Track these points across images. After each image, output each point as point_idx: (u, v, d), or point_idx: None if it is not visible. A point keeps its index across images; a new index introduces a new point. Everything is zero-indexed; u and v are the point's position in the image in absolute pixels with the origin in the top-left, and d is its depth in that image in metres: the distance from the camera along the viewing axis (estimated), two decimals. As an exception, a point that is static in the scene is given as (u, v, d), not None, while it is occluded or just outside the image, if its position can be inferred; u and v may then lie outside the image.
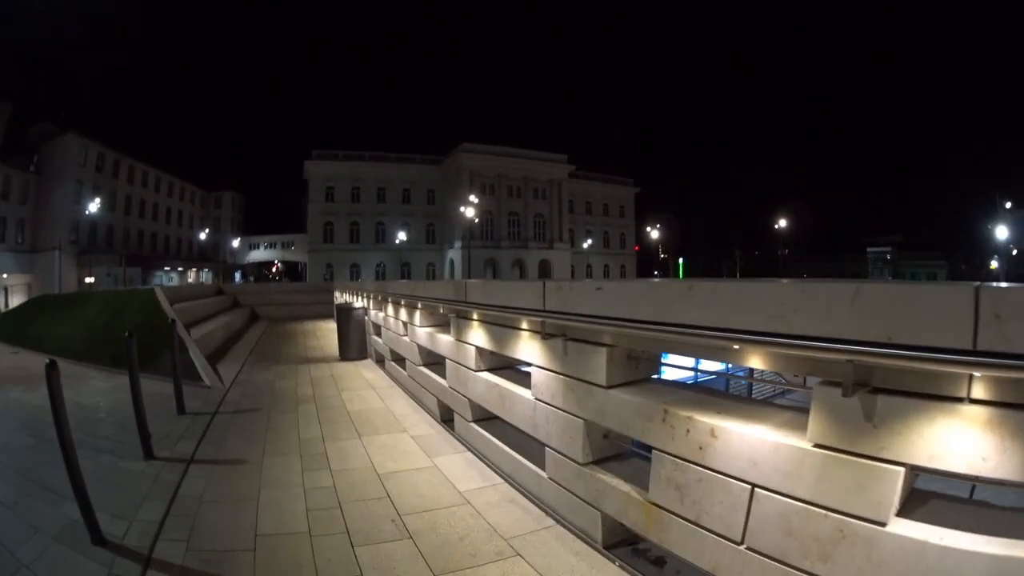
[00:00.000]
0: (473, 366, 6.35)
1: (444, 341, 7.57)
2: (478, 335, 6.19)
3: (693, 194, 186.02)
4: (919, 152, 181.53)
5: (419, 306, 8.87)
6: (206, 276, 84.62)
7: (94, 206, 51.07)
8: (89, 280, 53.27)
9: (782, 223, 65.66)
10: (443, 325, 8.17)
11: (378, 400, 9.70)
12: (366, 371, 12.79)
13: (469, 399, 6.50)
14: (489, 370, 6.23)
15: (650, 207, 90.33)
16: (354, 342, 14.64)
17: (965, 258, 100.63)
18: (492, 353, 6.06)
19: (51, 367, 4.89)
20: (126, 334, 7.92)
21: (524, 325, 5.07)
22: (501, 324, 5.49)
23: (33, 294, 46.76)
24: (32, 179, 55.78)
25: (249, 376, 12.57)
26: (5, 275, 51.41)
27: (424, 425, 7.96)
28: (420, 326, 8.84)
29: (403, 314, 10.04)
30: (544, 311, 4.60)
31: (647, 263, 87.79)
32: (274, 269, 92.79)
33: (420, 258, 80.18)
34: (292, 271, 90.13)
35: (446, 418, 7.68)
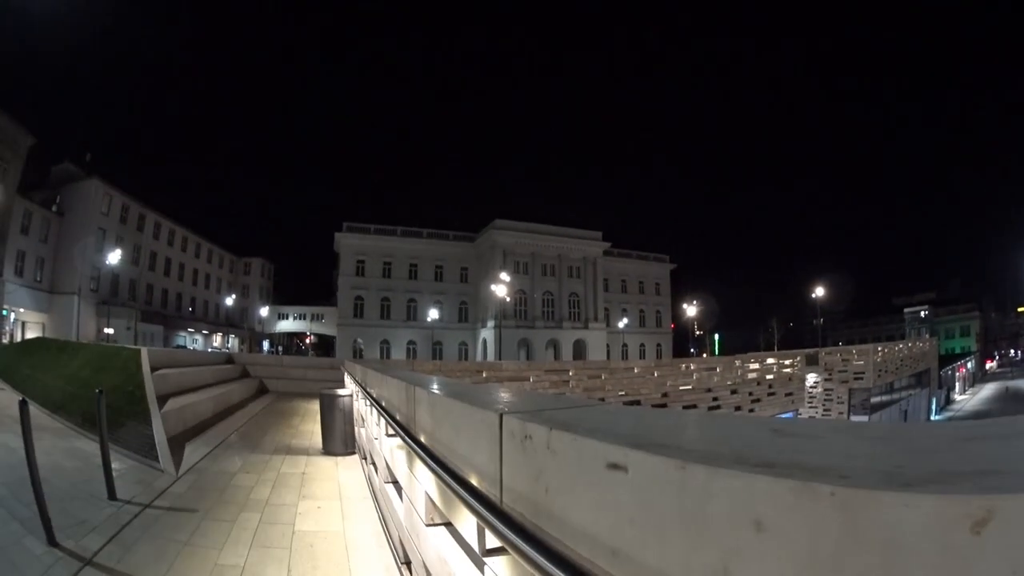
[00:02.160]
0: (424, 515, 4.59)
1: (400, 464, 5.98)
2: (426, 477, 4.36)
3: (728, 268, 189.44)
4: (942, 204, 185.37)
5: (380, 406, 7.08)
6: (232, 342, 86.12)
7: (115, 257, 53.01)
8: (108, 331, 55.12)
9: (817, 292, 66.65)
10: (398, 439, 6.49)
11: (338, 518, 8.42)
12: (344, 472, 11.54)
13: (422, 558, 4.81)
14: (445, 525, 4.52)
15: (685, 283, 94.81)
16: (338, 434, 13.42)
17: (996, 305, 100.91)
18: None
19: (23, 404, 6.23)
20: (97, 391, 8.26)
21: (467, 516, 2.99)
22: (449, 474, 3.38)
23: (47, 335, 48.20)
24: (54, 219, 58.36)
25: (212, 463, 11.49)
26: (22, 310, 53.51)
27: (378, 569, 6.64)
28: (386, 434, 7.12)
29: (373, 412, 8.51)
30: (497, 506, 2.19)
31: (683, 340, 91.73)
32: (307, 341, 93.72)
33: (453, 337, 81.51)
34: (324, 344, 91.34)
35: (406, 561, 6.12)
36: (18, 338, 50.37)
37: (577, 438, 1.65)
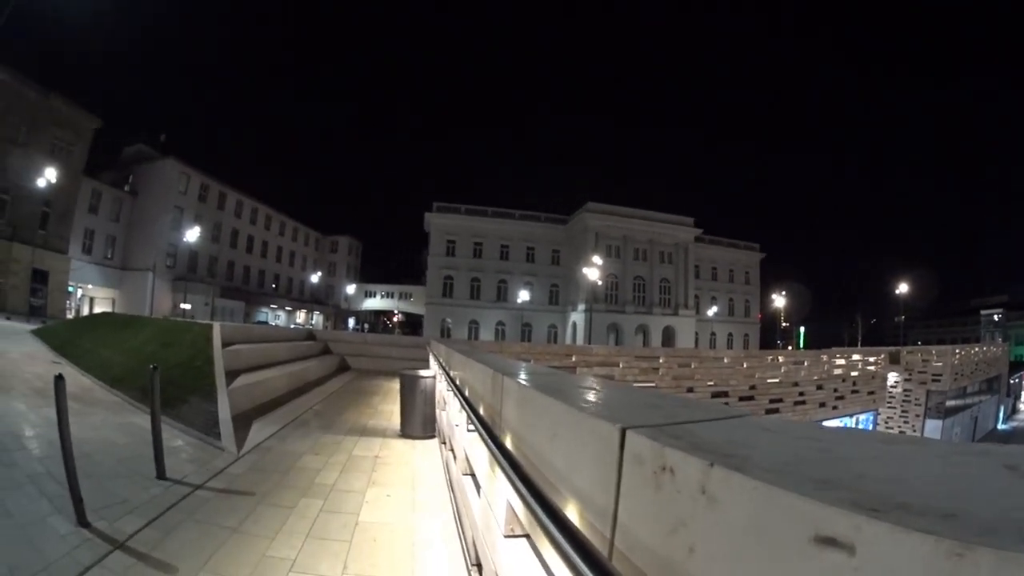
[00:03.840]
0: (502, 524, 3.76)
1: (480, 459, 5.14)
2: (507, 485, 3.47)
3: (814, 260, 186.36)
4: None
5: (460, 392, 6.19)
6: (317, 319, 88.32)
7: (193, 234, 55.84)
8: (185, 306, 57.98)
9: (900, 289, 68.19)
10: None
11: (408, 509, 7.80)
12: (421, 457, 10.99)
13: (495, 569, 4.01)
14: (526, 537, 3.62)
15: (773, 273, 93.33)
16: (418, 417, 12.91)
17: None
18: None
19: (59, 379, 6.24)
20: (151, 367, 8.20)
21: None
22: (536, 498, 2.47)
23: (117, 310, 51.52)
24: (126, 198, 62.17)
25: (279, 443, 11.16)
26: (90, 286, 57.65)
27: (445, 570, 5.97)
28: (467, 426, 6.06)
29: (454, 398, 7.71)
30: (602, 561, 1.49)
31: (769, 331, 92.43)
32: (394, 319, 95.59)
33: (542, 319, 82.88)
34: (412, 323, 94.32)
35: (477, 563, 5.35)
36: (85, 313, 53.95)
37: (759, 487, 1.06)
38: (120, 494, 7.06)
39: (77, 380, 14.91)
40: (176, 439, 9.92)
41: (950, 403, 41.59)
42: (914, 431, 38.52)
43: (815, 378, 37.44)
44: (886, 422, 40.00)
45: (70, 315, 51.29)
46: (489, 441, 3.49)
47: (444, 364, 10.40)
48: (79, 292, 57.55)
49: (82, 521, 6.03)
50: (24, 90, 46.19)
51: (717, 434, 1.52)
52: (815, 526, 0.92)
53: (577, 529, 1.71)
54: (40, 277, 47.99)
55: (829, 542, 0.89)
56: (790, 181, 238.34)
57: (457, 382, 6.79)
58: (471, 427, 5.15)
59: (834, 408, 35.69)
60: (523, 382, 3.24)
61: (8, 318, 37.20)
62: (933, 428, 39.43)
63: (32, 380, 14.64)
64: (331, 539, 6.43)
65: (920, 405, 39.97)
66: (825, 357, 41.53)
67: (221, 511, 7.00)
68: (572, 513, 1.87)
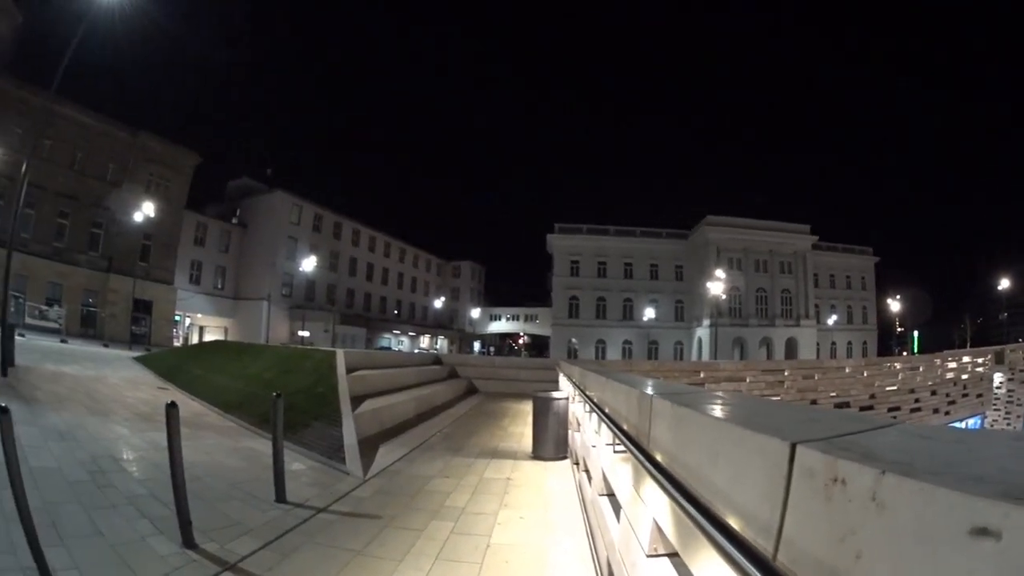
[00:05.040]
0: (646, 544, 3.53)
1: (621, 480, 4.96)
2: (656, 500, 3.35)
3: (925, 261, 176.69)
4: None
5: (603, 414, 5.95)
6: (441, 343, 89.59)
7: (309, 263, 58.25)
8: (304, 334, 60.12)
9: (1002, 284, 68.47)
10: (625, 453, 5.35)
11: (540, 530, 7.61)
12: (553, 478, 10.82)
13: None
14: (671, 556, 3.39)
15: (888, 277, 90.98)
16: (550, 438, 12.76)
17: None
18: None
19: (171, 406, 6.44)
20: (274, 395, 8.34)
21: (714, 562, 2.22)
22: (697, 507, 2.41)
23: (230, 338, 55.86)
24: (234, 230, 65.59)
25: (408, 466, 11.25)
26: (199, 315, 60.60)
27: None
28: (605, 443, 6.03)
29: (592, 418, 7.51)
30: (769, 563, 1.57)
31: (885, 337, 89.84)
32: (520, 341, 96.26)
33: (668, 336, 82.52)
34: (538, 344, 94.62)
35: None
36: (194, 341, 56.84)
37: (925, 488, 1.12)
38: (233, 516, 7.19)
39: (188, 406, 15.61)
40: (297, 463, 10.14)
41: (1056, 404, 41.55)
42: (1018, 432, 36.39)
43: (929, 383, 37.85)
44: (991, 425, 38.59)
45: (177, 343, 54.44)
46: (641, 459, 3.39)
47: (579, 385, 10.18)
48: (187, 321, 60.51)
49: (188, 543, 6.11)
50: (110, 130, 49.67)
51: (879, 443, 1.58)
52: (971, 518, 0.98)
53: (745, 540, 1.72)
54: (143, 307, 50.59)
55: (981, 532, 0.96)
56: (899, 181, 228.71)
57: (596, 402, 6.58)
58: (618, 447, 5.02)
59: (946, 414, 35.81)
60: (676, 402, 3.15)
61: (106, 345, 39.57)
62: (1036, 428, 37.52)
63: (136, 405, 15.37)
64: (462, 561, 6.32)
65: (1022, 406, 38.78)
66: (938, 361, 41.79)
67: (344, 534, 7.01)
68: (735, 526, 1.88)
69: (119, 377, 21.69)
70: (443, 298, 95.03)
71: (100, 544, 5.91)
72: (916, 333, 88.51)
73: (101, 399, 15.71)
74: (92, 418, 12.61)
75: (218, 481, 8.65)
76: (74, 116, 45.36)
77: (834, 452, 1.41)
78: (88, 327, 46.57)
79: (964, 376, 39.79)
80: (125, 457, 9.81)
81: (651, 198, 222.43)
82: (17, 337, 21.15)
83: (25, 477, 5.25)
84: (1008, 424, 38.55)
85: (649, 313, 76.56)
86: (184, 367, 24.61)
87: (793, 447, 1.57)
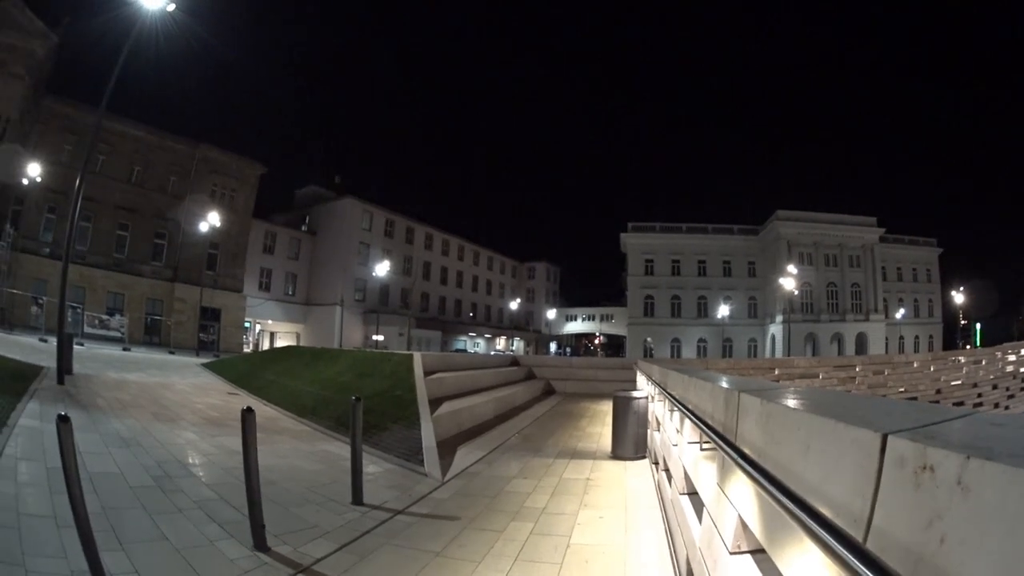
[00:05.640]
0: (729, 541, 3.50)
1: (705, 478, 4.91)
2: (743, 496, 3.34)
3: (988, 253, 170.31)
4: None
5: (687, 411, 5.99)
6: (517, 345, 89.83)
7: (382, 268, 59.04)
8: (378, 338, 61.28)
9: None
10: (710, 450, 5.22)
11: (620, 531, 7.57)
12: (633, 478, 10.75)
13: None
14: (754, 553, 3.34)
15: (951, 269, 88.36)
16: (630, 437, 12.71)
17: None
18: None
19: (248, 411, 6.64)
20: (353, 399, 8.47)
21: (802, 550, 2.36)
22: (789, 496, 2.43)
23: (303, 343, 56.77)
24: (304, 237, 67.39)
25: (487, 467, 11.33)
26: (269, 321, 62.39)
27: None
28: (687, 441, 6.15)
29: (673, 417, 7.53)
30: (859, 545, 1.68)
31: (950, 331, 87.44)
32: (596, 341, 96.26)
33: (742, 333, 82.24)
34: (614, 344, 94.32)
35: None
36: (264, 347, 59.20)
37: (1008, 470, 1.16)
38: (309, 520, 7.28)
39: (261, 410, 15.61)
40: (373, 466, 10.23)
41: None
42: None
43: (991, 377, 38.12)
44: None
45: (247, 349, 56.41)
46: (732, 454, 3.37)
47: (660, 383, 10.11)
48: (257, 327, 62.47)
49: (260, 546, 6.18)
50: (167, 143, 51.47)
51: (958, 431, 1.65)
52: None
53: (840, 527, 1.76)
54: (211, 314, 52.87)
55: None
56: (961, 169, 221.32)
57: (679, 400, 6.53)
58: (705, 444, 5.15)
59: (1006, 408, 35.13)
60: (765, 398, 3.19)
61: (172, 352, 40.67)
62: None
63: (204, 411, 15.71)
64: (542, 561, 6.33)
65: None
66: (999, 354, 41.76)
67: (423, 536, 7.07)
68: (828, 516, 1.91)
69: (187, 383, 22.33)
70: (519, 300, 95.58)
71: (164, 548, 5.97)
72: (979, 326, 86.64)
73: (169, 405, 16.12)
74: (158, 424, 12.91)
75: (294, 484, 8.79)
76: (126, 131, 47.23)
77: (922, 440, 1.44)
78: (152, 335, 48.40)
79: (1023, 368, 38.85)
80: (192, 462, 10.05)
81: (721, 196, 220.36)
82: (76, 346, 21.93)
83: (84, 484, 5.31)
84: (1062, 417, 37.19)
85: (723, 310, 76.58)
86: (255, 373, 25.17)
87: (884, 437, 1.61)
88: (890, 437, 1.58)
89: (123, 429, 11.67)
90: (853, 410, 2.44)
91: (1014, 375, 38.40)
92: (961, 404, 31.33)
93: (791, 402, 2.84)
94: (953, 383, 34.96)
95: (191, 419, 14.18)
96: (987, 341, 77.47)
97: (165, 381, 22.01)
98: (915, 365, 36.94)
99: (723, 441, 3.73)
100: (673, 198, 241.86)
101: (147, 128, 49.74)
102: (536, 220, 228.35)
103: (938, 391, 33.21)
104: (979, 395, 34.38)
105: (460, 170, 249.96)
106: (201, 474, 9.23)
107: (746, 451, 3.23)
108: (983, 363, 38.68)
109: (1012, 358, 40.65)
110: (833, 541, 1.64)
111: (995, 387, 36.13)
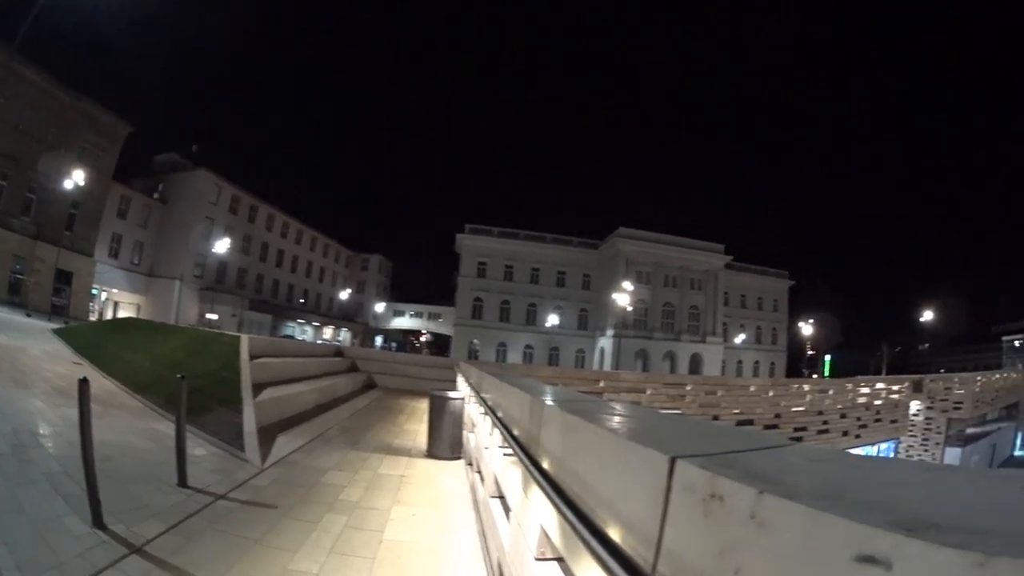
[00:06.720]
0: (534, 547, 3.72)
1: (512, 483, 5.10)
2: (544, 506, 3.30)
3: (840, 288, 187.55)
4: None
5: (496, 417, 6.14)
6: (345, 335, 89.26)
7: (223, 245, 57.40)
8: (211, 317, 59.80)
9: (924, 316, 71.69)
10: (515, 456, 5.51)
11: (433, 529, 7.80)
12: (448, 478, 11.00)
13: None
14: (559, 560, 3.66)
15: (802, 301, 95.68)
16: (446, 437, 12.94)
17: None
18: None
19: (83, 382, 6.47)
20: (179, 376, 8.54)
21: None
22: (579, 517, 2.55)
23: (142, 316, 54.37)
24: (156, 205, 64.46)
25: (305, 457, 11.25)
26: (115, 290, 59.09)
27: (472, 592, 5.98)
28: (497, 445, 6.27)
29: (486, 420, 7.62)
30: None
31: (795, 360, 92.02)
32: (422, 339, 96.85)
33: (570, 344, 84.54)
34: (440, 344, 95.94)
35: None
36: (108, 316, 55.30)
37: (808, 511, 1.15)
38: (140, 499, 7.13)
39: (100, 383, 15.21)
40: (199, 448, 10.02)
41: (970, 431, 43.25)
42: (934, 459, 38.77)
43: (839, 407, 39.12)
44: (907, 451, 40.52)
45: (93, 317, 52.76)
46: (529, 465, 3.51)
47: (475, 386, 10.36)
48: (103, 295, 59.22)
49: (98, 523, 6.07)
50: (55, 92, 47.79)
51: (765, 463, 1.61)
52: (857, 546, 0.99)
53: (623, 550, 1.81)
54: (64, 278, 49.43)
55: (869, 560, 0.96)
56: (818, 207, 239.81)
57: (490, 405, 6.78)
58: (506, 451, 5.24)
59: (857, 437, 37.05)
60: (567, 410, 3.21)
61: (28, 315, 38.16)
62: (953, 456, 39.95)
63: (53, 379, 14.93)
64: (355, 555, 6.44)
65: (940, 433, 40.17)
66: (850, 386, 42.83)
67: (243, 522, 7.04)
68: (615, 537, 1.95)
69: (41, 349, 21.11)
70: (349, 290, 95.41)
71: (24, 521, 5.91)
72: (828, 357, 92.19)
73: (26, 371, 15.44)
74: (17, 390, 12.41)
75: (127, 461, 8.52)
76: (28, 75, 44.06)
77: (713, 468, 1.45)
78: (15, 295, 44.87)
79: (877, 401, 41.69)
80: (42, 432, 9.61)
81: (566, 208, 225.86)
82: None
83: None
84: (925, 450, 40.22)
85: (553, 319, 78.40)
86: (99, 342, 24.12)
87: (673, 460, 1.61)
88: (679, 461, 1.59)
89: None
90: (655, 431, 2.53)
91: (867, 406, 40.67)
92: (804, 430, 33.03)
93: (592, 417, 2.79)
94: (795, 409, 36.35)
95: (42, 387, 13.51)
96: (837, 372, 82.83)
97: (22, 345, 20.87)
98: (752, 388, 38.06)
99: (524, 451, 3.90)
100: (519, 209, 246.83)
101: (45, 74, 46.04)
102: (377, 211, 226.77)
103: (777, 415, 34.34)
104: (825, 423, 35.92)
105: (321, 151, 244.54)
106: (49, 445, 8.84)
107: (545, 462, 3.38)
108: (831, 392, 40.78)
109: (865, 390, 42.60)
110: (613, 563, 1.73)
111: (844, 416, 38.04)
